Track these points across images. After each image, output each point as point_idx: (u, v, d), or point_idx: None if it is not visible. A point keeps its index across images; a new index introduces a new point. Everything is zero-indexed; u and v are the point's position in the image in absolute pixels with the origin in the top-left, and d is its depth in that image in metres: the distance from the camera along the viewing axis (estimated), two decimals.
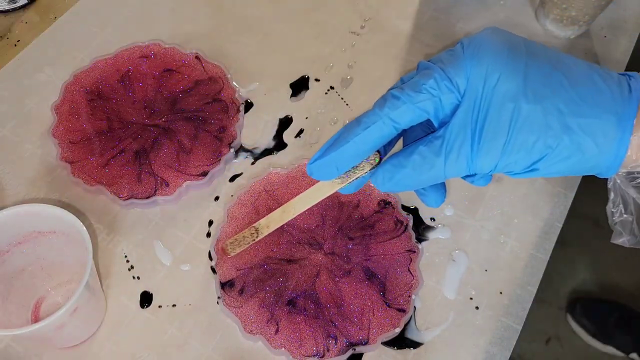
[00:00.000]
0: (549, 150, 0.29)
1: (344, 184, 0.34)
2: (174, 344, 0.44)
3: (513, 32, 0.32)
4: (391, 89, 0.33)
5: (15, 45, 0.58)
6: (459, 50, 0.31)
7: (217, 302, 0.45)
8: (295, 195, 0.48)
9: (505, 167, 0.30)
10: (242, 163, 0.52)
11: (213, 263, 0.46)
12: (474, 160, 0.30)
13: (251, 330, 0.43)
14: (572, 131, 0.29)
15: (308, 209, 0.39)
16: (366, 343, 0.42)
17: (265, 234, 0.40)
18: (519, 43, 0.31)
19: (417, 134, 0.35)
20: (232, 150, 0.51)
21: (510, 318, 0.45)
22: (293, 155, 0.52)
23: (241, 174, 0.51)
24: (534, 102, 0.29)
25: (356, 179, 0.34)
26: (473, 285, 0.46)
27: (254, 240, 0.41)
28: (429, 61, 0.33)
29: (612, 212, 0.35)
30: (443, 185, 0.35)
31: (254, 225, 0.41)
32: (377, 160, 0.34)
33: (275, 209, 0.47)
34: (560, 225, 0.49)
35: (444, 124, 0.31)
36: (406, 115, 0.31)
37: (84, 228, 0.39)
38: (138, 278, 0.46)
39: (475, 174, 0.32)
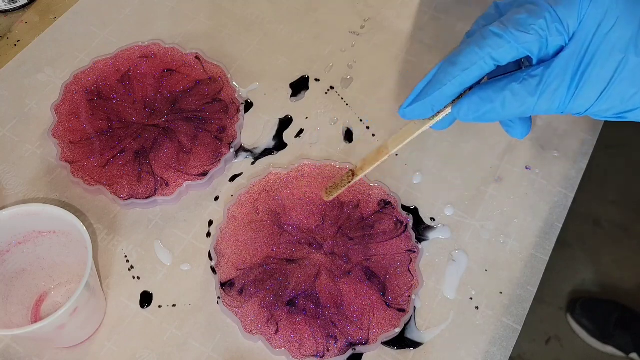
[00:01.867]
0: None
1: (435, 120, 0.34)
2: (174, 344, 0.44)
3: None
4: (487, 23, 0.31)
5: (15, 45, 0.58)
6: None
7: (217, 302, 0.45)
8: (296, 195, 0.48)
9: (595, 112, 0.30)
10: (242, 163, 0.52)
11: (213, 263, 0.46)
12: (567, 104, 0.30)
13: (251, 330, 0.43)
14: None
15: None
16: (366, 343, 0.42)
17: (361, 175, 0.40)
18: None
19: (508, 67, 0.34)
20: (232, 150, 0.51)
21: (510, 318, 0.45)
22: (293, 155, 0.52)
23: (241, 174, 0.51)
24: None
25: (446, 114, 0.33)
26: (473, 285, 0.46)
27: (350, 182, 0.41)
28: None
29: None
30: (529, 117, 0.34)
31: (349, 168, 0.41)
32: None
33: (275, 209, 0.48)
34: (560, 225, 0.49)
35: (541, 61, 0.30)
36: (509, 54, 0.30)
37: (84, 228, 0.39)
38: (138, 278, 0.46)
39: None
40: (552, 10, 0.29)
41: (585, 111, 0.30)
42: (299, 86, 0.56)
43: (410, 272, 0.45)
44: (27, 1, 0.61)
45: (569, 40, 0.29)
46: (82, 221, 0.39)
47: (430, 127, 0.35)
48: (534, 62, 0.31)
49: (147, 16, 0.60)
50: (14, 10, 0.60)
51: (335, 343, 0.42)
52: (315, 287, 0.44)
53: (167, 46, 0.56)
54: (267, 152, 0.52)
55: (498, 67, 0.33)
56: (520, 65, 0.34)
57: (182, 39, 0.59)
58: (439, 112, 0.34)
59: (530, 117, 0.34)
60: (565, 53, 0.29)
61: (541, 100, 0.30)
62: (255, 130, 0.54)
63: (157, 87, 0.53)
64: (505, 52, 0.30)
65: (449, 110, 0.33)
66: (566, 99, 0.30)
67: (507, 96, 0.30)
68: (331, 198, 0.43)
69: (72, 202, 0.49)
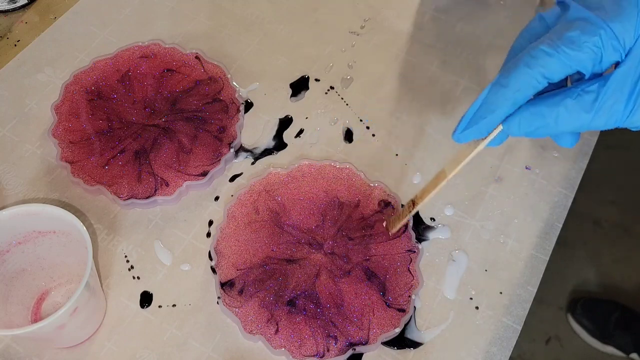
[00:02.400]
0: None
1: (488, 139, 0.33)
2: (174, 344, 0.44)
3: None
4: (531, 37, 0.30)
5: (15, 45, 0.58)
6: (623, 0, 0.29)
7: (217, 302, 0.45)
8: (296, 195, 0.48)
9: None
10: (242, 163, 0.52)
11: (213, 263, 0.46)
12: (625, 119, 0.29)
13: (251, 330, 0.43)
14: None
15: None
16: (366, 343, 0.42)
17: (421, 204, 0.41)
18: None
19: (560, 81, 0.33)
20: (232, 150, 0.51)
21: (510, 318, 0.45)
22: (293, 155, 0.52)
23: (241, 174, 0.51)
24: None
25: (498, 131, 0.33)
26: (473, 285, 0.46)
27: (411, 211, 0.42)
28: (580, 3, 0.30)
29: None
30: None
31: (411, 199, 0.42)
32: None
33: (275, 209, 0.48)
34: (560, 225, 0.49)
35: (595, 75, 0.30)
36: (562, 72, 0.29)
37: (84, 228, 0.39)
38: (138, 278, 0.46)
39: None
40: (607, 27, 0.28)
41: None
42: (299, 86, 0.56)
43: (410, 272, 0.45)
44: (27, 1, 0.61)
45: (625, 56, 0.29)
46: (82, 221, 0.39)
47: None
48: (587, 76, 0.30)
49: (147, 16, 0.60)
50: (14, 10, 0.60)
51: (335, 343, 0.42)
52: (315, 287, 0.44)
53: (167, 46, 0.56)
54: (267, 152, 0.52)
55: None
56: (568, 78, 0.33)
57: (182, 39, 0.59)
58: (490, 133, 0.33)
59: None
60: (622, 69, 0.29)
61: (597, 117, 0.29)
62: (255, 130, 0.54)
63: (157, 87, 0.53)
64: (558, 70, 0.29)
65: (500, 127, 0.33)
66: (623, 115, 0.29)
67: (561, 112, 0.30)
68: (395, 230, 0.44)
69: (72, 202, 0.49)
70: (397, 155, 0.52)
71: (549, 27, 0.32)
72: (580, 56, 0.29)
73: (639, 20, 0.28)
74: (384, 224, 0.46)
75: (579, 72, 0.31)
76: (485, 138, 0.33)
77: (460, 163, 0.36)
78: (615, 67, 0.29)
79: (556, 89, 0.32)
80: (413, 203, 0.42)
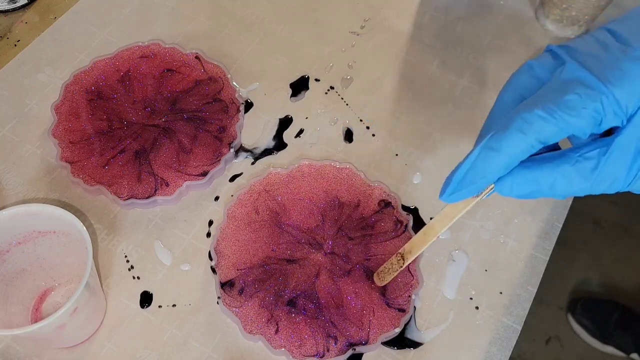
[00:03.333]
0: None
1: (480, 197, 0.32)
2: (174, 344, 0.44)
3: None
4: (527, 102, 0.28)
5: (15, 45, 0.58)
6: (625, 60, 0.26)
7: (217, 302, 0.45)
8: (296, 195, 0.48)
9: None
10: (242, 163, 0.52)
11: (213, 263, 0.46)
12: (626, 186, 0.28)
13: (251, 330, 0.43)
14: None
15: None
16: (366, 343, 0.42)
17: (411, 259, 0.39)
18: None
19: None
20: (232, 150, 0.51)
21: (510, 318, 0.45)
22: (293, 155, 0.52)
23: (241, 174, 0.51)
24: None
25: (490, 190, 0.31)
26: (473, 285, 0.46)
27: (402, 267, 0.41)
28: (577, 61, 0.28)
29: None
30: None
31: (398, 251, 0.41)
32: None
33: (275, 209, 0.48)
34: (560, 225, 0.49)
35: (592, 135, 0.28)
36: (558, 136, 0.27)
37: (84, 228, 0.39)
38: (138, 278, 0.46)
39: None
40: (608, 92, 0.26)
41: None
42: (299, 86, 0.56)
43: (410, 272, 0.45)
44: (27, 1, 0.61)
45: (627, 121, 0.27)
46: (82, 221, 0.39)
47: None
48: (585, 138, 0.28)
49: (147, 16, 0.60)
50: (14, 10, 0.60)
51: (335, 343, 0.42)
52: (315, 287, 0.44)
53: (167, 46, 0.56)
54: (267, 152, 0.52)
55: None
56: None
57: (182, 39, 0.59)
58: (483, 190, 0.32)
59: None
60: (624, 136, 0.27)
61: (596, 184, 0.28)
62: (255, 130, 0.54)
63: (157, 87, 0.53)
64: (553, 135, 0.27)
65: (492, 186, 0.31)
66: (625, 183, 0.28)
67: (558, 179, 0.28)
68: (384, 283, 0.43)
69: (72, 202, 0.49)
70: (397, 155, 0.52)
71: (540, 80, 0.30)
72: (579, 122, 0.27)
73: None
74: (374, 277, 0.44)
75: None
76: (478, 196, 0.32)
77: (451, 220, 0.35)
78: (616, 132, 0.27)
79: (550, 149, 0.30)
80: (402, 257, 0.41)
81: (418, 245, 0.38)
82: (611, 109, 0.26)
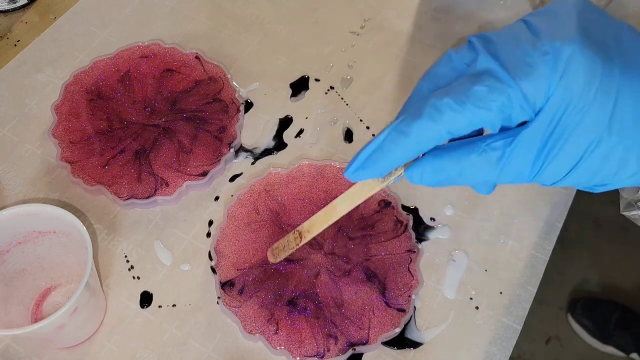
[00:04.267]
0: (615, 177, 0.27)
1: (385, 183, 0.32)
2: (174, 344, 0.44)
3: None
4: (441, 91, 0.28)
5: (15, 45, 0.58)
6: (534, 54, 0.26)
7: (217, 302, 0.45)
8: (296, 195, 0.48)
9: (562, 184, 0.28)
10: (242, 163, 0.52)
11: (213, 263, 0.46)
12: (532, 178, 0.28)
13: (251, 330, 0.43)
14: None
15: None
16: (366, 343, 0.42)
17: (309, 238, 0.38)
18: (610, 47, 0.26)
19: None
20: (232, 150, 0.51)
21: (510, 318, 0.45)
22: (293, 155, 0.52)
23: (241, 174, 0.51)
24: (617, 136, 0.26)
25: (397, 176, 0.31)
26: (473, 285, 0.46)
27: (298, 245, 0.39)
28: (488, 53, 0.27)
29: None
30: None
31: (297, 229, 0.39)
32: None
33: (275, 209, 0.48)
34: (560, 225, 0.49)
35: (503, 128, 0.28)
36: (467, 129, 0.27)
37: (84, 228, 0.39)
38: (138, 278, 0.46)
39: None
40: (515, 86, 0.26)
41: (553, 184, 0.28)
42: (299, 86, 0.56)
43: (410, 272, 0.45)
44: (27, 1, 0.61)
45: (535, 115, 0.27)
46: (82, 221, 0.39)
47: (393, 183, 0.32)
48: (496, 132, 0.28)
49: (147, 16, 0.60)
50: (14, 10, 0.60)
51: (336, 343, 0.42)
52: (315, 287, 0.44)
53: (167, 46, 0.56)
54: (267, 152, 0.52)
55: None
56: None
57: (182, 39, 0.59)
58: (389, 175, 0.31)
59: None
60: (529, 129, 0.27)
61: (503, 174, 0.28)
62: (255, 130, 0.54)
63: (157, 87, 0.53)
64: (463, 127, 0.27)
65: (401, 172, 0.31)
66: (530, 174, 0.28)
67: (465, 168, 0.28)
68: (278, 260, 0.42)
69: (72, 202, 0.49)
70: None
71: (457, 70, 0.30)
72: (487, 115, 0.26)
73: (551, 79, 0.26)
74: (268, 253, 0.43)
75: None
76: (384, 180, 0.31)
77: (355, 202, 0.34)
78: (524, 125, 0.27)
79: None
80: (300, 235, 0.39)
81: (318, 225, 0.37)
82: (518, 103, 0.26)
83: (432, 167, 0.29)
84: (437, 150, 0.29)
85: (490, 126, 0.27)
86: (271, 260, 0.43)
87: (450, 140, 0.29)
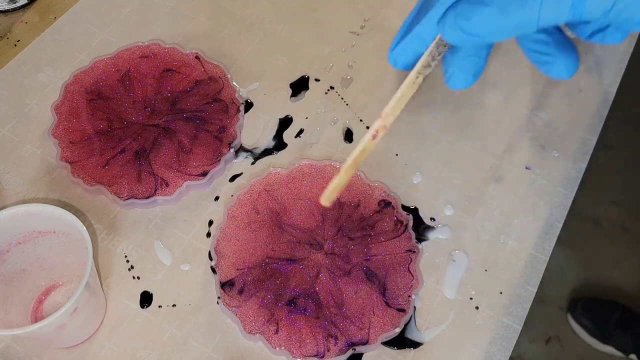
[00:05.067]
0: None
1: (427, 73, 0.29)
2: (174, 344, 0.44)
3: None
4: None
5: (15, 45, 0.58)
6: None
7: (217, 302, 0.45)
8: (296, 195, 0.48)
9: (622, 13, 0.23)
10: (242, 163, 0.52)
11: (213, 263, 0.46)
12: (574, 13, 0.23)
13: (251, 330, 0.43)
14: None
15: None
16: (366, 343, 0.42)
17: (364, 158, 0.33)
18: None
19: None
20: (232, 150, 0.51)
21: (510, 318, 0.45)
22: (293, 155, 0.52)
23: (241, 174, 0.51)
24: None
25: (436, 44, 0.28)
26: (473, 285, 0.46)
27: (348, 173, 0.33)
28: None
29: None
30: (573, 46, 0.27)
31: (372, 126, 0.33)
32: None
33: (275, 209, 0.48)
34: (560, 225, 0.49)
35: None
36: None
37: (84, 228, 0.39)
38: (138, 278, 0.46)
39: (606, 27, 0.25)
40: None
41: (610, 11, 0.23)
42: (299, 86, 0.56)
43: (410, 272, 0.45)
44: (27, 1, 0.61)
45: None
46: (82, 221, 0.39)
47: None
48: None
49: (147, 16, 0.60)
50: (14, 10, 0.60)
51: (336, 343, 0.42)
52: (315, 287, 0.44)
53: (167, 46, 0.56)
54: (267, 152, 0.52)
55: None
56: None
57: (182, 39, 0.59)
58: (426, 68, 0.29)
59: (574, 46, 0.27)
60: None
61: (544, 8, 0.24)
62: (255, 130, 0.54)
63: (157, 87, 0.53)
64: None
65: (437, 38, 0.28)
66: (572, 6, 0.23)
67: (505, 3, 0.24)
68: (334, 197, 0.36)
69: (72, 202, 0.49)
70: (397, 155, 0.52)
71: None
72: None
73: None
74: (322, 197, 0.35)
75: None
76: (419, 75, 0.29)
77: (401, 106, 0.31)
78: None
79: None
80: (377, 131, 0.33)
81: (394, 113, 0.33)
82: None
83: (468, 3, 0.25)
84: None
85: None
86: (325, 203, 0.35)
87: None
